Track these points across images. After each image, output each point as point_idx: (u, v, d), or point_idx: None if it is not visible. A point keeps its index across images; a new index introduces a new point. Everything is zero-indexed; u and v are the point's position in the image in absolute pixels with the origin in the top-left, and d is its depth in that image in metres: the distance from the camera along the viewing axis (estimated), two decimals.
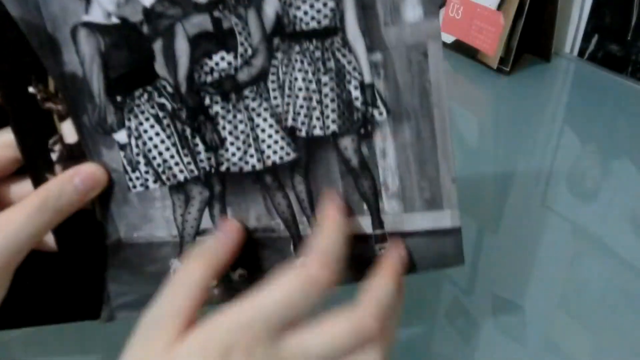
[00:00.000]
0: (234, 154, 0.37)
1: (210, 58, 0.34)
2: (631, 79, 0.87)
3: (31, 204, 0.33)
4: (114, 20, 0.33)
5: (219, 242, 0.35)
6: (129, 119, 0.36)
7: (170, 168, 0.37)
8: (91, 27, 0.33)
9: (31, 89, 0.34)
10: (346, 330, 0.32)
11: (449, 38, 0.95)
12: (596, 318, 0.51)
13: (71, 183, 0.34)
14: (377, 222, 0.39)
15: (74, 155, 0.36)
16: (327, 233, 0.35)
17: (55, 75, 0.34)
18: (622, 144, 0.76)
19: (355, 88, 0.35)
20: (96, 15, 0.33)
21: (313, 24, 0.34)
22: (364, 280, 0.40)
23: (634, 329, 0.49)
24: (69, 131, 0.35)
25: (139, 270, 0.39)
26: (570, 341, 0.48)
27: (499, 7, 0.87)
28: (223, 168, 0.37)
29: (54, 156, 0.36)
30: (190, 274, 0.33)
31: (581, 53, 0.93)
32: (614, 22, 0.87)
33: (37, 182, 0.36)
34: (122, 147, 0.36)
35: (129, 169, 0.37)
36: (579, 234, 0.60)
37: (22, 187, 0.37)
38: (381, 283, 0.35)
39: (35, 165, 0.36)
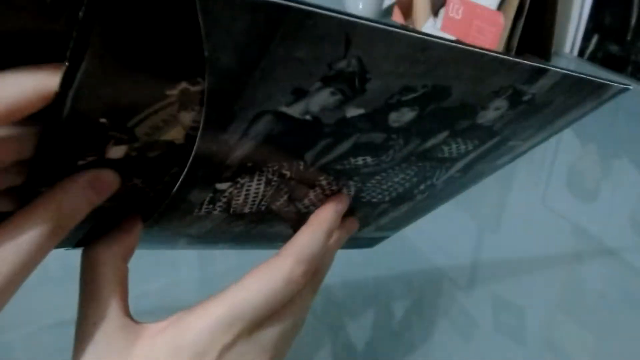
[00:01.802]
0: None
1: (355, 158, 0.33)
2: (631, 79, 0.86)
3: (44, 229, 0.27)
4: (307, 117, 0.28)
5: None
6: (243, 177, 0.32)
7: (244, 206, 0.35)
8: (279, 116, 0.27)
9: (103, 120, 0.26)
10: (273, 285, 0.31)
11: (449, 38, 0.83)
12: (596, 318, 0.50)
13: (85, 196, 0.28)
14: None
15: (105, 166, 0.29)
16: (311, 229, 0.35)
17: (205, 133, 0.27)
18: (622, 144, 0.74)
19: (423, 186, 0.40)
20: (294, 110, 0.27)
21: (441, 155, 0.36)
22: None
23: (634, 329, 0.49)
24: (115, 151, 0.28)
25: None
26: (570, 341, 0.48)
27: (499, 7, 0.83)
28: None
29: (81, 162, 0.28)
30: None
31: (581, 53, 0.91)
32: (614, 22, 0.84)
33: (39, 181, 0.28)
34: (216, 191, 0.32)
35: (205, 204, 0.33)
36: (579, 234, 0.60)
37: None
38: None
39: (49, 168, 0.27)
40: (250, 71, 0.24)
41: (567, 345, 0.48)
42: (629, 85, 0.34)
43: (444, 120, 0.31)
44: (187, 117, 0.27)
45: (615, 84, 0.33)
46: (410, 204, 0.43)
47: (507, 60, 0.28)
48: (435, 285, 0.54)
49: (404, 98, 0.28)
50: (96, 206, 0.29)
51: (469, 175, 0.40)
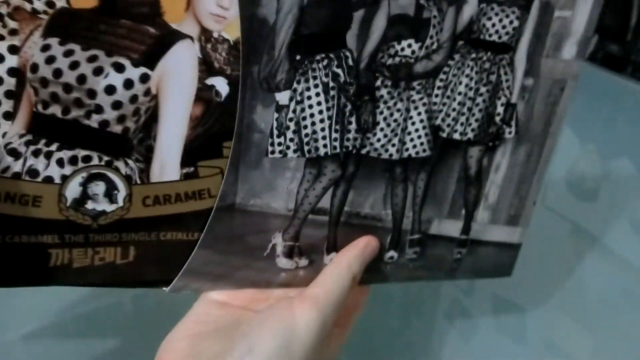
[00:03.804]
0: (379, 140, 0.36)
1: (399, 42, 0.34)
2: (631, 79, 0.87)
3: None
4: None
5: None
6: (299, 82, 0.33)
7: (316, 140, 0.35)
8: None
9: None
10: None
11: None
12: (596, 318, 0.51)
13: None
14: (466, 228, 0.41)
15: None
16: (337, 268, 0.36)
17: (245, 14, 0.31)
18: (622, 144, 0.75)
19: (502, 105, 0.38)
20: None
21: (494, 37, 0.36)
22: (438, 278, 0.43)
23: (634, 329, 0.50)
24: None
25: (238, 240, 0.36)
26: (570, 341, 0.49)
27: None
28: (364, 151, 0.36)
29: None
30: None
31: None
32: (614, 22, 0.85)
33: None
34: (279, 108, 0.34)
35: (275, 132, 0.34)
36: (579, 234, 0.60)
37: None
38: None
39: None
40: None
41: (567, 345, 0.49)
42: None
43: None
44: None
45: None
46: (504, 156, 0.40)
47: None
48: (435, 285, 0.55)
49: None
50: None
51: (543, 93, 0.38)
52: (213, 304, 0.37)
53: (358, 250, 0.38)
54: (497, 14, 0.35)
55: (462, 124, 0.38)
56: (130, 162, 0.32)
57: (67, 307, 0.38)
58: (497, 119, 0.38)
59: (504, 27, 0.36)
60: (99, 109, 0.30)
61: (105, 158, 0.31)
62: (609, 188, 0.68)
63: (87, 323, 0.48)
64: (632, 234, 0.61)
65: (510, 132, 0.39)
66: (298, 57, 0.33)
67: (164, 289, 0.37)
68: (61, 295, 0.36)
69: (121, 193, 0.32)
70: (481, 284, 0.55)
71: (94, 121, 0.30)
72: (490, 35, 0.36)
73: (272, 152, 0.35)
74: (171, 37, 0.30)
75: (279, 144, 0.34)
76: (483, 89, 0.37)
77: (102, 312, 0.47)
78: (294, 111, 0.34)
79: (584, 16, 0.37)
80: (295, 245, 0.38)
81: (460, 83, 0.37)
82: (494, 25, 0.36)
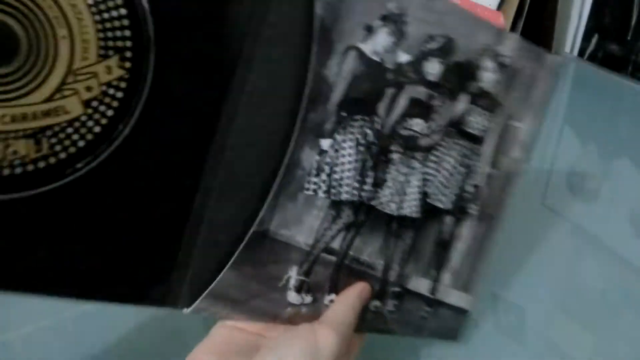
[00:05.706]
0: (385, 196, 0.44)
1: (412, 119, 0.44)
2: (631, 79, 0.87)
3: None
4: (375, 58, 0.41)
5: None
6: (339, 133, 0.41)
7: (340, 185, 0.42)
8: (359, 53, 0.40)
9: None
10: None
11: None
12: (596, 318, 0.51)
13: None
14: (433, 289, 0.49)
15: None
16: (347, 301, 0.43)
17: (315, 70, 0.39)
18: (622, 143, 0.75)
19: (472, 186, 0.48)
20: (367, 48, 0.40)
21: (471, 130, 0.47)
22: (407, 334, 0.49)
23: (634, 329, 0.51)
24: None
25: (261, 267, 0.40)
26: (570, 341, 0.49)
27: (499, 7, 0.86)
28: (373, 203, 0.44)
29: None
30: None
31: (581, 53, 0.93)
32: (614, 22, 0.87)
33: None
34: (321, 152, 0.41)
35: (313, 172, 0.41)
36: (579, 234, 0.61)
37: None
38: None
39: None
40: (341, 3, 0.38)
41: (567, 345, 0.49)
42: None
43: (460, 77, 0.45)
44: None
45: (552, 55, 0.49)
46: (467, 229, 0.49)
47: (480, 20, 0.45)
48: None
49: (430, 46, 0.43)
50: None
51: (499, 181, 0.50)
52: (231, 328, 0.40)
53: (357, 291, 0.44)
54: (477, 115, 0.47)
55: (444, 195, 0.47)
56: None
57: (67, 306, 0.37)
58: (468, 195, 0.48)
59: (477, 123, 0.47)
60: None
61: None
62: (609, 188, 0.69)
63: (87, 323, 0.48)
64: (632, 234, 0.61)
65: (473, 210, 0.49)
66: (343, 114, 0.41)
67: (185, 310, 0.39)
68: None
69: None
70: (481, 284, 0.54)
71: None
72: (471, 128, 0.47)
73: (307, 189, 0.41)
74: None
75: (314, 183, 0.41)
76: (461, 169, 0.47)
77: (102, 312, 0.47)
78: (331, 157, 0.41)
79: (528, 128, 0.50)
80: (306, 281, 0.42)
81: (447, 162, 0.47)
82: (475, 121, 0.47)
